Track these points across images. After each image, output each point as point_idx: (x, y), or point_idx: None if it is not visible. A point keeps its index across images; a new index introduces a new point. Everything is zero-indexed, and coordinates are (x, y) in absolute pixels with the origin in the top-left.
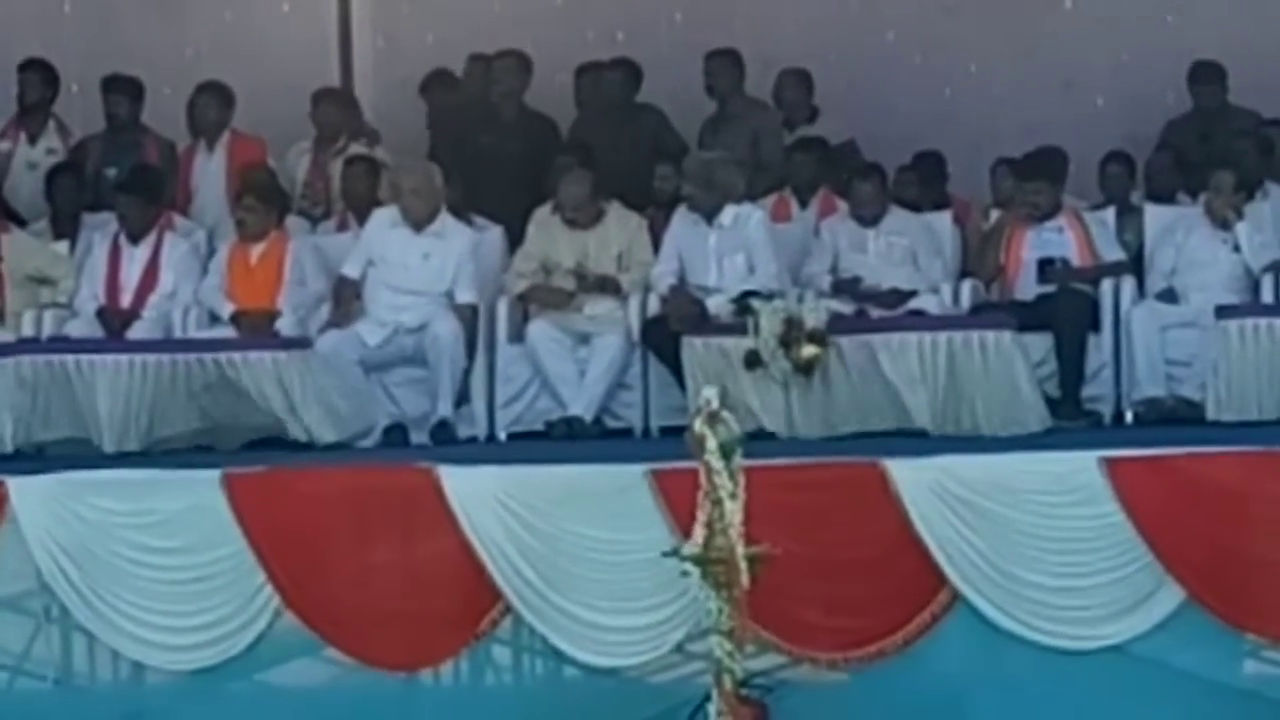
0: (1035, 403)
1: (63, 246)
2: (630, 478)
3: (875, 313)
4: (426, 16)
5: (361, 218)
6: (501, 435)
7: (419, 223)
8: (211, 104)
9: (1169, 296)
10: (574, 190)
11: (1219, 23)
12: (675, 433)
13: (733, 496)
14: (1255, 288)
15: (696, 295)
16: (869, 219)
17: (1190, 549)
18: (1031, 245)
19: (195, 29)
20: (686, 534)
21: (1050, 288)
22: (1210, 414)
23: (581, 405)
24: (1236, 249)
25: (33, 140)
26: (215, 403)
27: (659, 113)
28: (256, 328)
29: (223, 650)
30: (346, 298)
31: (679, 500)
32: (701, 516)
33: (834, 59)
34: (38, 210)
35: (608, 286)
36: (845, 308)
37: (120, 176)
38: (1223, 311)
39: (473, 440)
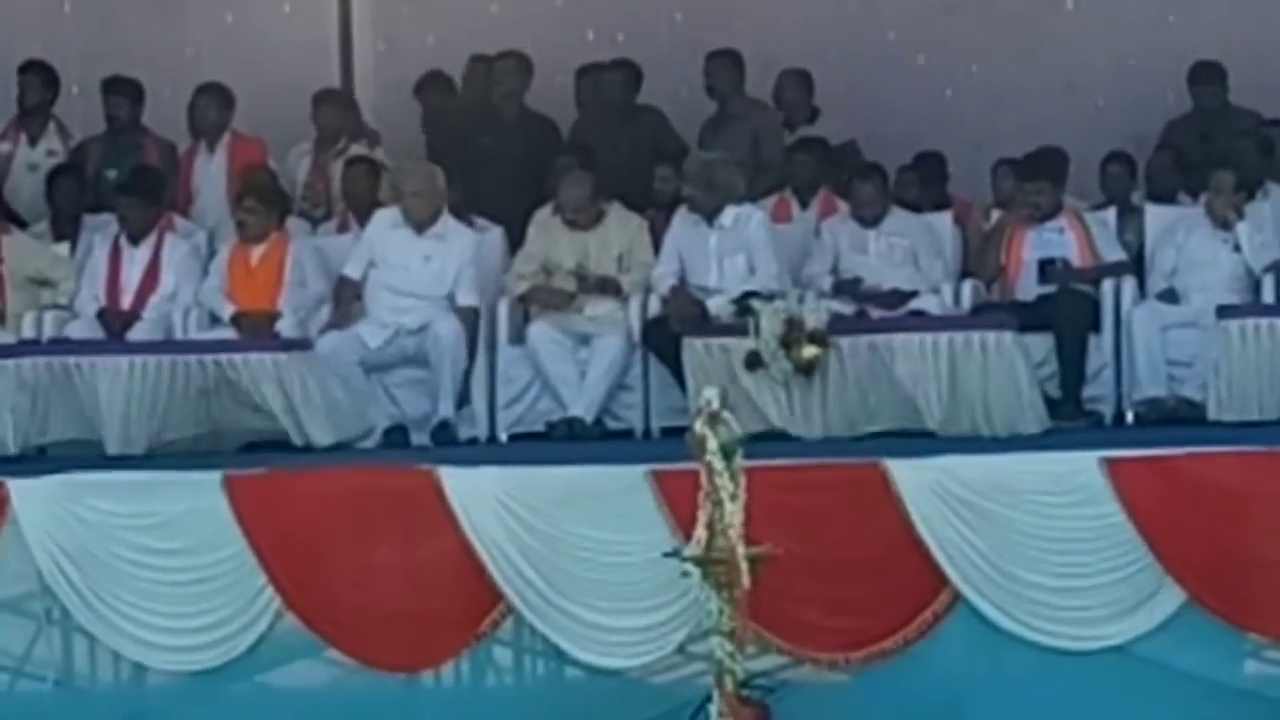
0: (1036, 403)
1: (63, 248)
2: (631, 479)
3: (876, 313)
4: (427, 18)
5: (362, 219)
6: (502, 436)
7: (421, 225)
8: (212, 105)
9: (1170, 297)
10: (574, 191)
11: (1220, 23)
12: (676, 433)
13: (733, 497)
14: (1256, 288)
15: (697, 296)
16: (870, 219)
17: (1191, 549)
18: (1032, 245)
19: (196, 30)
20: (687, 535)
21: (1051, 288)
22: (1211, 414)
23: (582, 406)
24: (1237, 249)
25: (33, 142)
26: (216, 404)
27: (659, 114)
28: (257, 329)
29: (224, 652)
30: (347, 298)
31: (680, 501)
32: (702, 517)
33: (834, 59)
34: (38, 212)
35: (608, 287)
36: (846, 308)
37: (121, 178)
38: (1223, 311)
39: (473, 441)
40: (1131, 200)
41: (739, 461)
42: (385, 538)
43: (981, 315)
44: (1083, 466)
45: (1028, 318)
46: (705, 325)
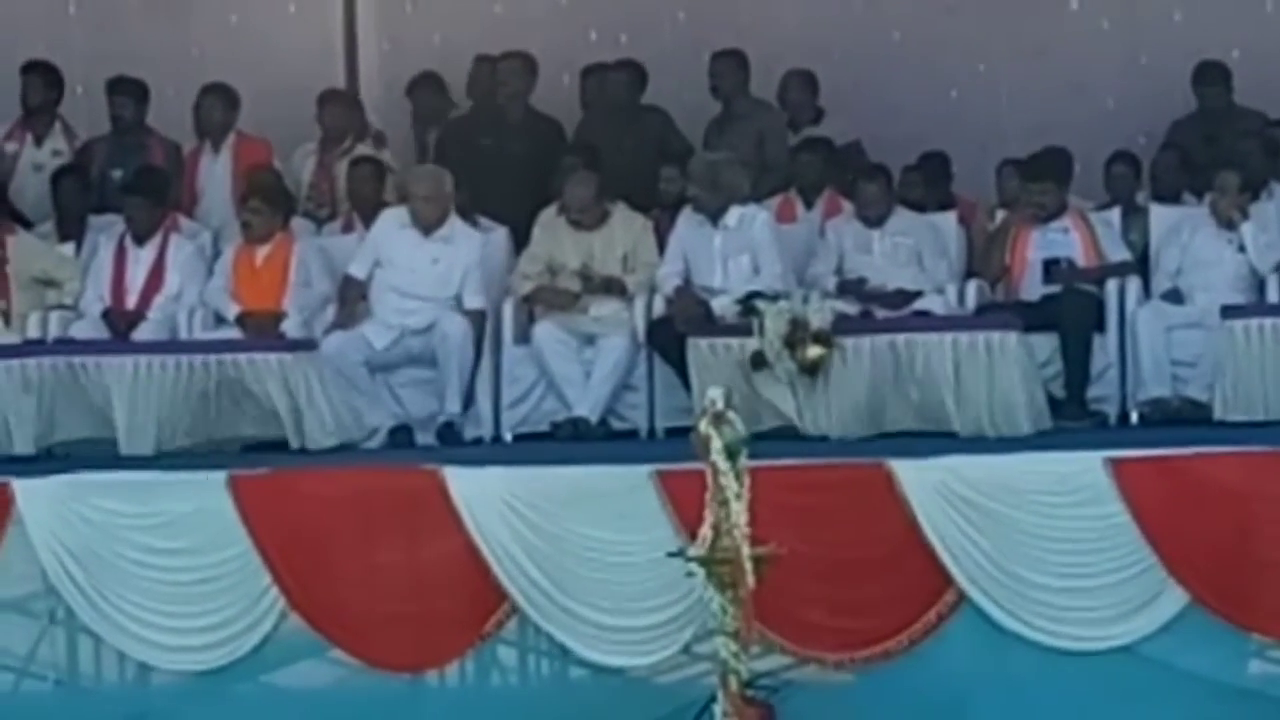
0: (1040, 403)
1: (68, 248)
2: (636, 479)
3: (880, 313)
4: (431, 18)
5: (367, 219)
6: (507, 436)
7: (428, 227)
8: (217, 106)
9: (1174, 297)
10: (579, 191)
11: (1227, 23)
12: (681, 434)
13: (738, 497)
14: (1260, 288)
15: (702, 296)
16: (874, 219)
17: (1196, 549)
18: (1037, 246)
19: (200, 31)
20: (692, 535)
21: (1055, 288)
22: (1216, 414)
23: (587, 406)
24: (1242, 249)
25: (38, 142)
26: (220, 405)
27: (664, 114)
28: (262, 329)
29: (228, 652)
30: (352, 298)
31: (684, 501)
32: (707, 517)
33: (839, 59)
34: (43, 212)
35: (613, 288)
36: (850, 308)
37: (126, 178)
38: (1228, 311)
39: (478, 441)
40: (1136, 200)
41: (743, 461)
42: (390, 538)
43: (986, 315)
44: (1087, 467)
45: (1032, 318)
46: (710, 325)
